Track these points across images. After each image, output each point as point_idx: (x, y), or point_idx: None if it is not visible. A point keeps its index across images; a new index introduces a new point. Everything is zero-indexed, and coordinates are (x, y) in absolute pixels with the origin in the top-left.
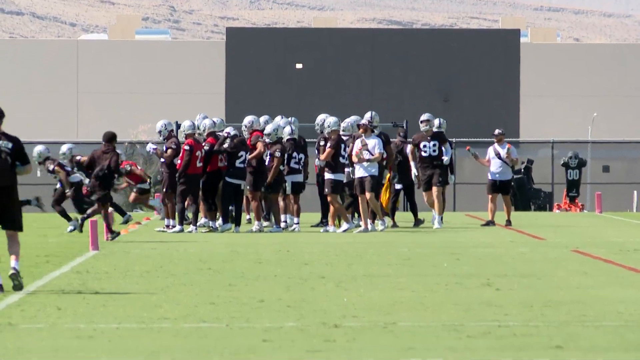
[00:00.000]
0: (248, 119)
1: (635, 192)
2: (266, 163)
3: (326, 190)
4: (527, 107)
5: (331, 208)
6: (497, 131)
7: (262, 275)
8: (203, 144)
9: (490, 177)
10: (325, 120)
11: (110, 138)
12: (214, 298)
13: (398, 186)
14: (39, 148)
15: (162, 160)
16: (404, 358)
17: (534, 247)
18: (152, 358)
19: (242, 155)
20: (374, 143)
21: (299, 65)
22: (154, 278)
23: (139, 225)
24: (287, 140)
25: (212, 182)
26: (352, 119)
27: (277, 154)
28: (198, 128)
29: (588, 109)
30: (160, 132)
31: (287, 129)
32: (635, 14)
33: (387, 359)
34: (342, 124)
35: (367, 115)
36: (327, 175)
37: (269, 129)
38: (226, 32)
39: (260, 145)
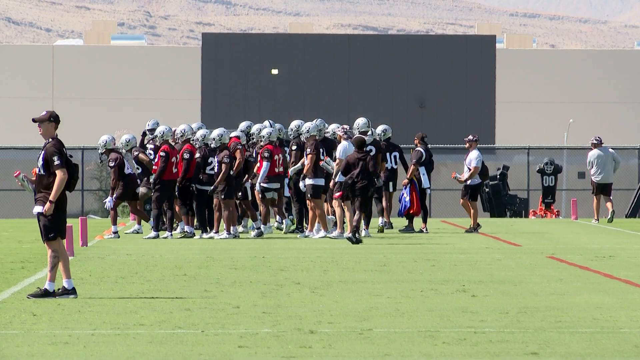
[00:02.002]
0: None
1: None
2: (215, 169)
3: (308, 195)
4: (503, 113)
5: (310, 213)
6: (469, 137)
7: (238, 281)
8: (181, 150)
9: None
10: (302, 125)
11: (362, 144)
12: (189, 304)
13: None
14: (126, 136)
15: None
16: None
17: (510, 254)
18: None
19: (211, 162)
20: (338, 150)
21: (274, 71)
22: (129, 284)
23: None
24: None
25: (189, 188)
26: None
27: (226, 160)
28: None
29: (564, 115)
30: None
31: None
32: (611, 20)
33: None
34: (303, 128)
35: (356, 122)
36: (308, 181)
37: (214, 134)
38: (202, 38)
39: (238, 154)
